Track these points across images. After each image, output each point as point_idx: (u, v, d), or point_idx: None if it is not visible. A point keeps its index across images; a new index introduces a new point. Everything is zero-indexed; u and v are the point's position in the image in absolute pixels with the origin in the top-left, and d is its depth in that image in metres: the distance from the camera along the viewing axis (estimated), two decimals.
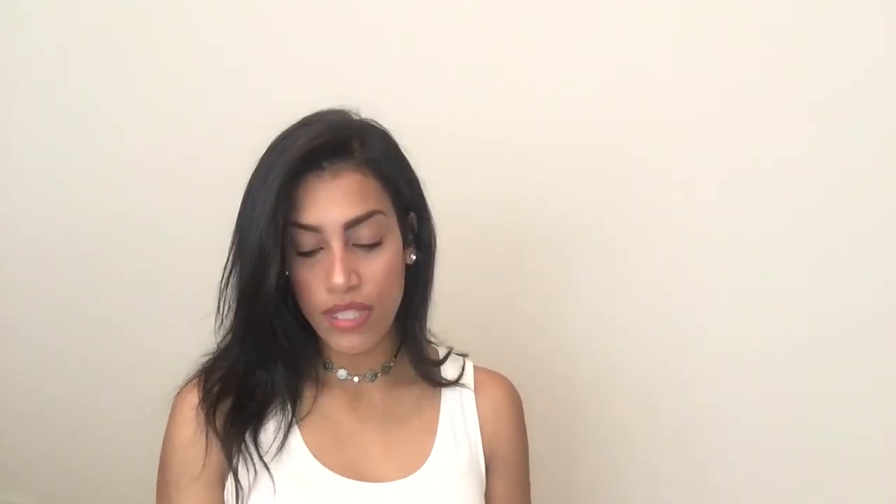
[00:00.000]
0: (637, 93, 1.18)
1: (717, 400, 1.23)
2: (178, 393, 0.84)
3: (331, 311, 0.77)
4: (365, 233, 0.77)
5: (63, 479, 1.69)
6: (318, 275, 0.76)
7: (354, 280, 0.76)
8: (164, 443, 0.84)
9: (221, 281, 0.81)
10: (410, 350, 0.87)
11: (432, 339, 0.91)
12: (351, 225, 0.76)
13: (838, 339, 1.16)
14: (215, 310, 0.82)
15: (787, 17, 1.10)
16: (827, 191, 1.13)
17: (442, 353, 0.91)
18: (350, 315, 0.77)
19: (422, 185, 0.84)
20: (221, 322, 0.82)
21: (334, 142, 0.77)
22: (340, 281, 0.74)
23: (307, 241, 0.76)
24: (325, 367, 0.86)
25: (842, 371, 1.16)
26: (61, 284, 1.59)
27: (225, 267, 0.81)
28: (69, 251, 1.57)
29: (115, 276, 1.55)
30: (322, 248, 0.77)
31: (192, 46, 1.41)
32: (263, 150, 0.79)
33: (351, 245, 0.77)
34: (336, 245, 0.75)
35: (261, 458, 0.79)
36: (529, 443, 0.94)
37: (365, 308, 0.77)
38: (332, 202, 0.75)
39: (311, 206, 0.75)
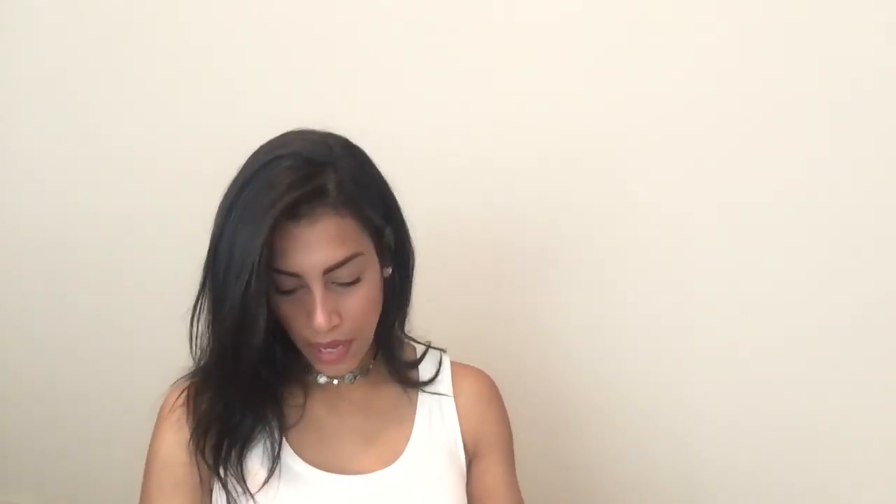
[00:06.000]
0: (627, 99, 1.17)
1: (710, 405, 1.22)
2: (167, 399, 0.85)
3: (315, 346, 0.79)
4: (344, 273, 0.77)
5: (63, 479, 1.70)
6: (299, 311, 0.78)
7: (336, 320, 0.77)
8: (152, 451, 0.84)
9: (193, 312, 0.81)
10: (386, 355, 0.89)
11: (410, 337, 0.92)
12: (330, 269, 0.76)
13: (839, 341, 1.14)
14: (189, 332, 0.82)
15: (784, 18, 1.09)
16: (824, 194, 1.11)
17: (420, 350, 0.93)
18: (332, 349, 0.79)
19: (397, 200, 0.83)
20: (194, 350, 0.82)
21: (313, 188, 0.74)
22: (322, 322, 0.75)
23: (287, 283, 0.77)
24: (305, 372, 0.88)
25: (840, 374, 1.15)
26: (62, 285, 1.60)
27: (199, 292, 0.80)
28: (70, 252, 1.58)
29: (116, 276, 1.55)
30: (302, 287, 0.77)
31: (190, 49, 1.41)
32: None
33: (331, 284, 0.77)
34: (316, 289, 0.75)
35: (247, 489, 0.80)
36: (518, 448, 0.95)
37: (346, 343, 0.80)
38: (311, 249, 0.74)
39: (291, 252, 0.74)
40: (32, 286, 1.62)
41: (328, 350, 0.79)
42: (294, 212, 0.73)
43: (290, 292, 0.77)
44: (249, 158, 0.78)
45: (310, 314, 0.76)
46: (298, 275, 0.75)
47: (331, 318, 0.76)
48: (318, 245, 0.74)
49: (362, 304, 0.79)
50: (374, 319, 0.83)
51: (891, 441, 1.14)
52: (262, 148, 0.79)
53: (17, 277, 1.63)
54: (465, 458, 0.89)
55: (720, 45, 1.11)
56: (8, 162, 1.58)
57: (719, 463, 1.24)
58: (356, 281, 0.78)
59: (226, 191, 0.78)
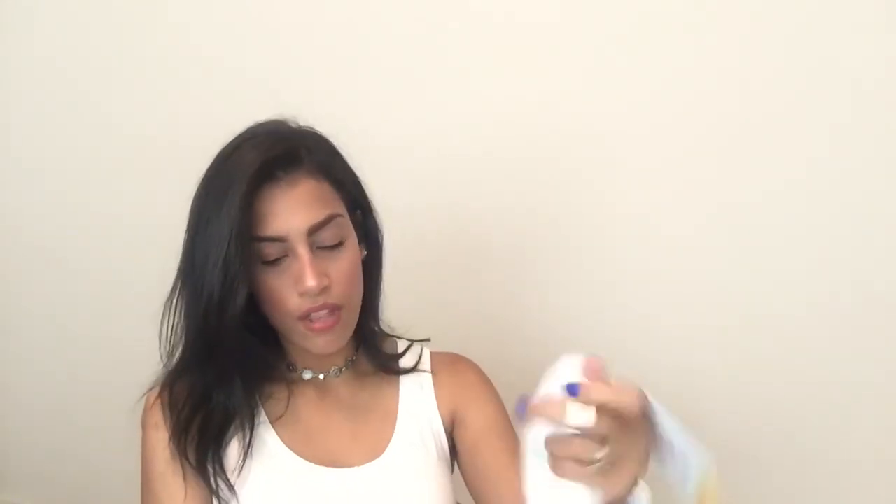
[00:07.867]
0: (625, 99, 1.17)
1: (701, 403, 1.23)
2: (145, 405, 0.85)
3: (306, 316, 0.78)
4: (327, 235, 0.78)
5: (63, 479, 1.70)
6: (287, 281, 0.78)
7: (325, 281, 0.77)
8: (145, 455, 0.84)
9: (169, 302, 0.81)
10: (368, 344, 0.90)
11: (392, 333, 0.94)
12: (314, 230, 0.77)
13: (838, 341, 1.15)
14: (159, 332, 0.82)
15: (784, 18, 1.09)
16: (822, 194, 1.12)
17: (402, 345, 0.94)
18: (324, 315, 0.79)
19: (363, 185, 0.86)
20: (168, 343, 0.82)
21: (285, 151, 0.78)
22: (313, 284, 0.76)
23: (272, 251, 0.77)
24: (290, 370, 0.88)
25: (838, 374, 1.16)
26: (61, 286, 1.60)
27: (174, 288, 0.81)
28: (70, 251, 1.58)
29: (115, 276, 1.55)
30: (287, 255, 0.78)
31: (190, 49, 1.41)
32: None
33: (315, 249, 0.78)
34: (302, 251, 0.77)
35: (229, 484, 0.79)
36: None
37: (336, 308, 0.79)
38: (293, 210, 0.77)
39: (273, 217, 0.76)
40: (32, 288, 1.62)
41: (319, 317, 0.78)
42: (272, 174, 0.76)
43: (275, 262, 0.78)
44: (219, 151, 0.80)
45: (298, 279, 0.77)
46: (284, 238, 0.77)
47: (321, 278, 0.76)
48: (300, 206, 0.77)
49: (349, 267, 0.80)
50: (360, 288, 0.83)
51: (888, 433, 1.15)
52: (230, 142, 0.81)
53: (17, 278, 1.63)
54: (445, 433, 0.90)
55: (719, 45, 1.11)
56: (8, 162, 1.58)
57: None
58: (339, 245, 0.80)
59: (198, 184, 0.80)
